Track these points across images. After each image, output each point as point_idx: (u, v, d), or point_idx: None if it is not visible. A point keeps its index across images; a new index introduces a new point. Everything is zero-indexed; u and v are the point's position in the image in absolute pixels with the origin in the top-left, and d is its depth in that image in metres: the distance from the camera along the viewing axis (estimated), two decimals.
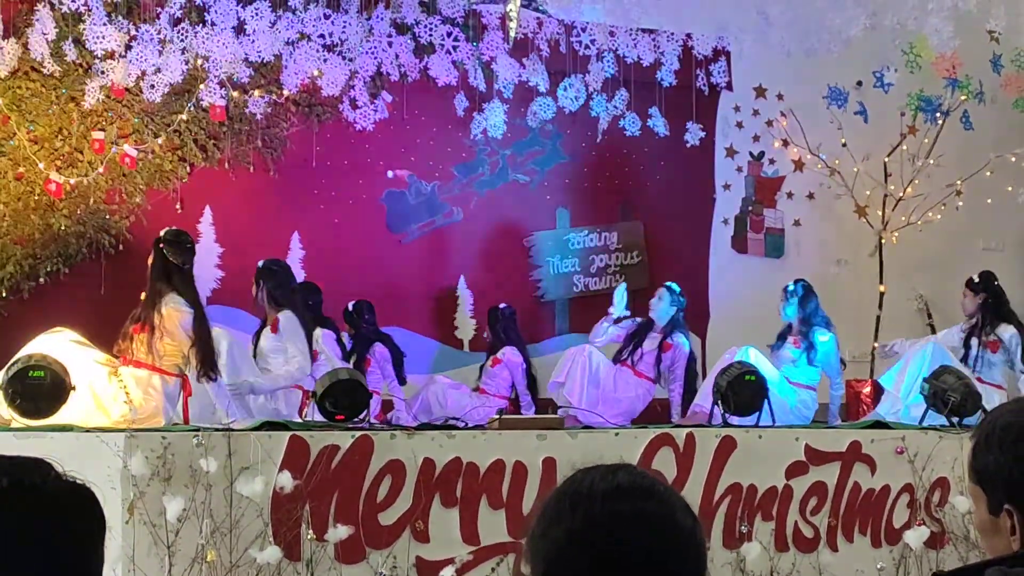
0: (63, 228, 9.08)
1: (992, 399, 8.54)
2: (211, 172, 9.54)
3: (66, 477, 2.07)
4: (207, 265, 9.58)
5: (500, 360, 9.48)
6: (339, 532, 6.33)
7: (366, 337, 9.39)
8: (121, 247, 9.25)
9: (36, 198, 8.99)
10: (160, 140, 9.19)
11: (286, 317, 7.61)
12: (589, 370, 8.92)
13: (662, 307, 9.29)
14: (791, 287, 9.07)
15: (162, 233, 7.25)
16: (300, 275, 9.80)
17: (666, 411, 9.33)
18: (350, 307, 9.42)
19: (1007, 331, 8.95)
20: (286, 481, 6.24)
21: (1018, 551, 2.27)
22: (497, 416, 7.11)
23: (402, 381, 9.28)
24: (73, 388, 6.44)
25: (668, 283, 9.45)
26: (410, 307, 10.19)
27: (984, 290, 9.04)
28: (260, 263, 7.91)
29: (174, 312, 7.01)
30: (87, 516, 2.06)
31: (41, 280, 9.05)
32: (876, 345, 9.62)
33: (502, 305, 9.65)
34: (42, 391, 6.37)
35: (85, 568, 2.05)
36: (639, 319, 9.40)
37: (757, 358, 8.59)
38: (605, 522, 1.94)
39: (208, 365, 7.01)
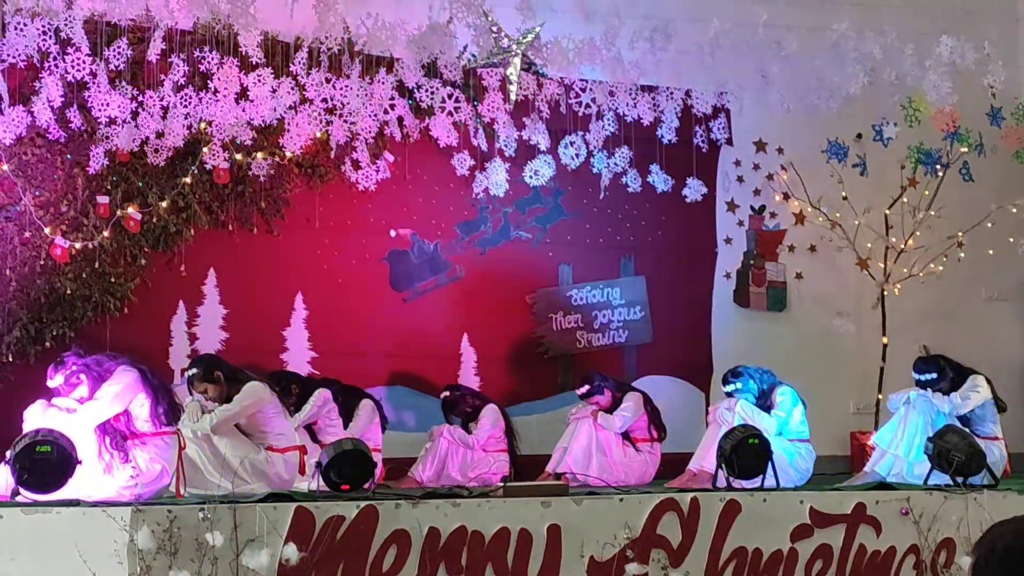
0: (69, 291, 9.12)
1: (992, 453, 8.55)
2: (215, 234, 9.60)
3: None
4: (211, 327, 9.63)
5: (478, 419, 9.52)
6: None
7: (355, 392, 9.43)
8: (126, 310, 9.30)
9: (42, 262, 9.04)
10: (164, 203, 9.24)
11: (246, 387, 7.61)
12: (596, 438, 8.96)
13: (601, 398, 9.39)
14: (734, 388, 8.87)
15: None
16: (303, 335, 9.86)
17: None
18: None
19: (973, 383, 8.94)
20: (291, 553, 6.26)
21: None
22: (502, 483, 7.13)
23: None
24: (79, 462, 6.46)
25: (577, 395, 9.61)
26: (413, 366, 10.21)
27: (941, 371, 8.96)
28: (193, 370, 7.76)
29: (124, 377, 7.03)
30: None
31: (47, 344, 9.08)
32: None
33: (444, 394, 9.68)
34: (49, 466, 6.39)
35: None
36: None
37: (749, 411, 8.60)
38: None
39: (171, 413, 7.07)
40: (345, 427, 9.04)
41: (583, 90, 9.85)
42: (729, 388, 8.87)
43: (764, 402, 8.79)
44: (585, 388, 9.48)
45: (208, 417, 7.37)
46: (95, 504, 6.31)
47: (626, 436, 9.40)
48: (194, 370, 7.67)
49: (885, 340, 11.21)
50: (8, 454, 6.58)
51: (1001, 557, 2.35)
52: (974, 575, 2.41)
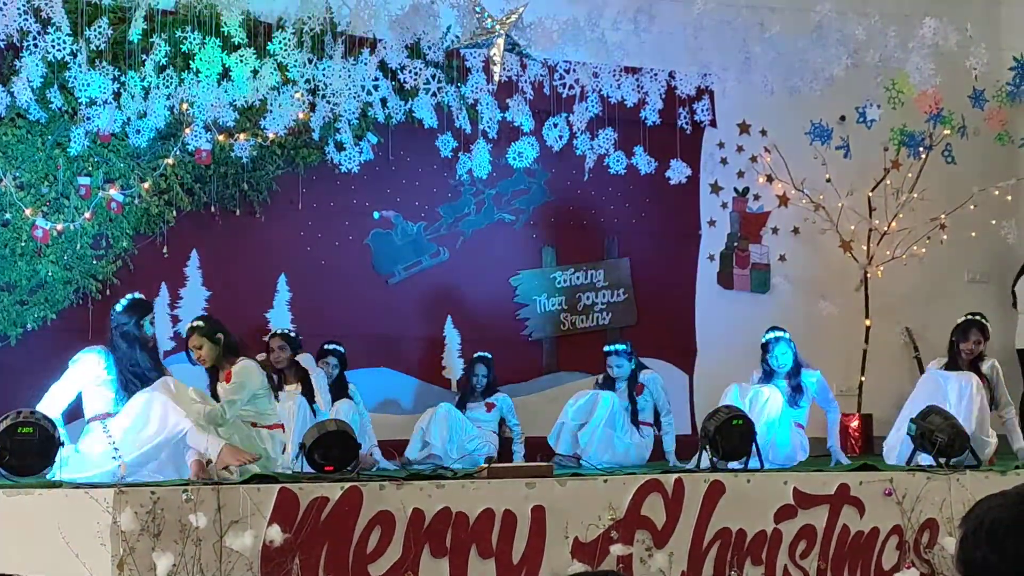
0: (50, 274, 9.07)
1: None
2: (197, 216, 9.54)
3: None
4: (194, 309, 9.57)
5: (495, 405, 9.57)
6: None
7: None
8: (108, 292, 9.23)
9: (23, 244, 8.98)
10: (146, 184, 9.18)
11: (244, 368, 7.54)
12: (611, 411, 9.05)
13: (623, 370, 9.41)
14: (780, 335, 8.94)
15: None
16: (287, 317, 9.83)
17: (660, 448, 9.40)
18: (335, 347, 9.42)
19: (988, 364, 8.99)
20: (275, 534, 6.23)
21: None
22: (486, 465, 7.12)
23: None
24: (62, 444, 6.43)
25: (611, 349, 9.57)
26: (397, 347, 10.20)
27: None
28: (199, 322, 7.56)
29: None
30: None
31: (28, 326, 9.04)
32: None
33: (487, 354, 9.73)
34: (31, 448, 6.35)
35: None
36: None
37: (767, 396, 8.60)
38: None
39: None
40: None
41: (567, 71, 9.83)
42: (771, 336, 8.85)
43: (795, 374, 8.81)
44: (623, 346, 9.47)
45: (218, 411, 7.20)
46: (78, 486, 6.27)
47: (635, 418, 9.40)
48: (199, 323, 7.47)
49: (868, 322, 11.24)
50: None
51: (989, 531, 2.35)
52: (962, 549, 2.40)
